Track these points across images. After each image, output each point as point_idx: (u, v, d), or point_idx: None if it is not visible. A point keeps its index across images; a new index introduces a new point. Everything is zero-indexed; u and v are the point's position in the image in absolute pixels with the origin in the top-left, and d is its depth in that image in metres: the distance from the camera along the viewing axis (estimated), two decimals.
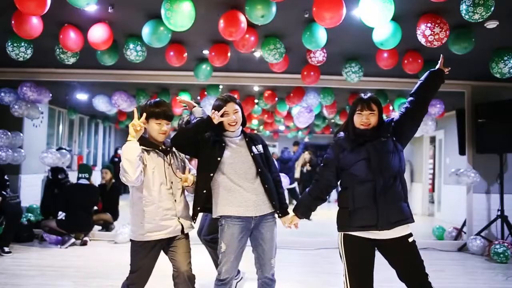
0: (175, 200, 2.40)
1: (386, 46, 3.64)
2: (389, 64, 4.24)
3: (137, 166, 2.22)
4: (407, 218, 2.24)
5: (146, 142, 2.41)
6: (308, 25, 3.72)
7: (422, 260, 2.23)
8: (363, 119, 2.31)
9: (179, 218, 2.40)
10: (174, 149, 2.52)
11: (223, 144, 2.45)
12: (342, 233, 2.30)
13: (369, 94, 2.38)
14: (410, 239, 2.24)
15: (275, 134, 13.16)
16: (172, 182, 2.41)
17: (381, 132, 2.32)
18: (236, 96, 2.68)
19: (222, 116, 2.40)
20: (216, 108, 2.44)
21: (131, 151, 2.22)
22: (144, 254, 2.35)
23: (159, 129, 2.39)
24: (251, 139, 2.53)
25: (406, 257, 2.23)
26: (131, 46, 4.07)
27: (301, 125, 6.67)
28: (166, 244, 2.40)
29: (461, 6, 3.03)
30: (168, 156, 2.46)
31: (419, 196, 9.56)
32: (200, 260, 3.16)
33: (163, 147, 2.46)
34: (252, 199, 2.38)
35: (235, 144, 2.49)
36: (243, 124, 2.56)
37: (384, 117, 2.44)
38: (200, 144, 2.45)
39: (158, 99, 2.47)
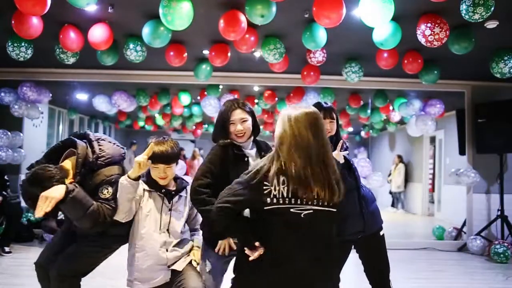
0: (167, 250, 2.14)
1: (386, 46, 3.64)
2: (389, 64, 4.23)
3: (125, 209, 2.06)
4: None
5: (150, 181, 2.18)
6: (308, 25, 3.72)
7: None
8: (326, 126, 2.35)
9: (169, 267, 2.14)
10: (184, 193, 2.25)
11: (246, 159, 2.13)
12: None
13: (329, 104, 2.46)
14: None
15: None
16: (168, 230, 2.16)
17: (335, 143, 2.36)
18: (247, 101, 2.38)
19: (229, 124, 2.11)
20: (221, 116, 2.17)
21: (121, 190, 2.03)
22: None
23: (157, 174, 2.13)
24: (265, 153, 2.20)
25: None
26: (131, 46, 4.07)
27: None
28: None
29: (461, 6, 3.03)
30: (172, 201, 2.19)
31: (419, 196, 9.56)
32: None
33: (169, 189, 2.20)
34: None
35: (252, 159, 2.16)
36: (257, 133, 2.24)
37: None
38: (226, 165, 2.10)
39: (161, 138, 2.15)
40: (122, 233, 2.26)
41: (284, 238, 1.64)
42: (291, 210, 1.60)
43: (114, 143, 2.30)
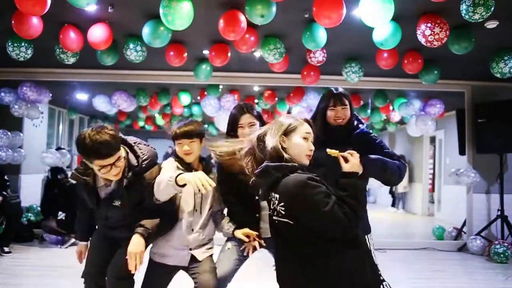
0: (192, 230, 2.21)
1: (386, 46, 3.64)
2: (389, 64, 4.23)
3: (164, 194, 2.04)
4: None
5: (182, 162, 2.21)
6: (308, 25, 3.72)
7: None
8: (338, 114, 2.26)
9: (190, 249, 2.21)
10: (211, 175, 2.26)
11: None
12: None
13: (340, 89, 2.34)
14: None
15: None
16: (197, 210, 2.22)
17: (350, 133, 2.27)
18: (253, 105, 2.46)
19: (237, 127, 2.28)
20: (231, 118, 2.34)
21: (165, 187, 1.97)
22: (155, 274, 2.23)
23: (182, 150, 2.18)
24: None
25: None
26: (131, 46, 4.07)
27: None
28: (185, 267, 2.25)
29: (461, 6, 3.03)
30: None
31: (419, 196, 9.57)
32: None
33: (199, 170, 2.19)
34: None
35: None
36: None
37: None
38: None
39: (187, 120, 2.24)
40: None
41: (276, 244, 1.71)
42: (273, 217, 1.63)
43: (148, 145, 2.31)
